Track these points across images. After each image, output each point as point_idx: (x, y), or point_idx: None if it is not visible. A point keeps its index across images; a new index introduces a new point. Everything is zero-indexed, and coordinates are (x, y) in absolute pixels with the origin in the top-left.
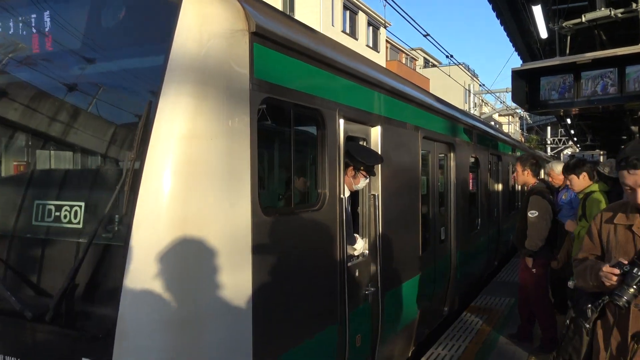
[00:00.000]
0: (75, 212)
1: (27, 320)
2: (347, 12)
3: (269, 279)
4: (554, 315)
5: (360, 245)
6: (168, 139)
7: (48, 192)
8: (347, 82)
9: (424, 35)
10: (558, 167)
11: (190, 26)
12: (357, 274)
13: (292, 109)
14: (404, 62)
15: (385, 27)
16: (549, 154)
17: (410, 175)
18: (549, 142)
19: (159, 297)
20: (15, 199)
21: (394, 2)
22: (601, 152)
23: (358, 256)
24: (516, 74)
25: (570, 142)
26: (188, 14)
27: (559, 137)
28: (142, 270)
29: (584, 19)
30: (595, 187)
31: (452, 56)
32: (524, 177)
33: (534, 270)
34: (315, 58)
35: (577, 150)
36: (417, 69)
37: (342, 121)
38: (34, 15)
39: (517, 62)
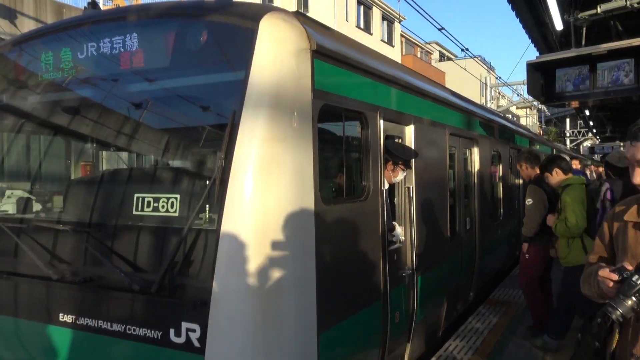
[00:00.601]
0: (172, 203)
1: (134, 292)
2: (362, 7)
3: (328, 259)
4: (544, 300)
5: (399, 232)
6: (250, 141)
7: (146, 187)
8: (386, 87)
9: (439, 29)
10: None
11: (265, 47)
12: (395, 257)
13: (343, 113)
14: (419, 56)
15: (399, 21)
16: (567, 147)
17: (439, 169)
18: (568, 135)
19: (245, 271)
20: (118, 193)
21: None
22: (621, 144)
23: (396, 242)
24: (532, 67)
25: (590, 134)
26: (263, 37)
27: (578, 130)
28: (231, 250)
29: (599, 10)
30: (571, 179)
31: (467, 49)
32: (526, 172)
33: (527, 255)
34: (360, 68)
35: (597, 142)
36: (433, 63)
37: (382, 122)
38: (134, 35)
39: (534, 54)
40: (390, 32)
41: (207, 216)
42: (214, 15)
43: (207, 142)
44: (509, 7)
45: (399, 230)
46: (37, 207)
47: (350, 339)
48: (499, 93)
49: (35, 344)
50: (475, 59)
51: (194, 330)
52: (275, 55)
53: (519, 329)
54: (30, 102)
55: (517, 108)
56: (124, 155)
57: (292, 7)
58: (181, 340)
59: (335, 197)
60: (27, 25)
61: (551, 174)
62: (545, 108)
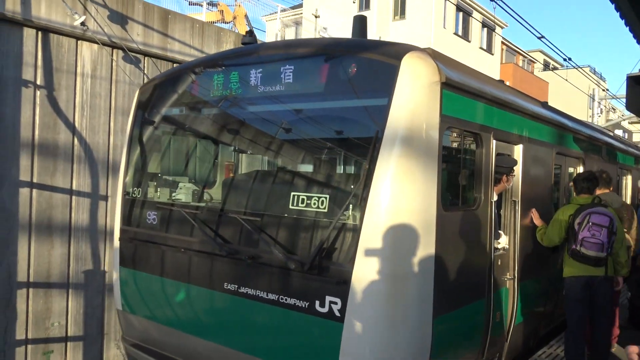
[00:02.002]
0: (322, 201)
1: (289, 270)
2: (460, 14)
3: (444, 255)
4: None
5: (504, 240)
6: (390, 155)
7: (302, 188)
8: (498, 110)
9: (539, 38)
10: None
11: (405, 80)
12: (499, 262)
13: (463, 134)
14: (520, 64)
15: (499, 27)
16: None
17: (544, 186)
18: None
19: (379, 259)
20: (277, 191)
21: (504, 2)
22: None
23: (501, 249)
24: (632, 80)
25: None
26: (404, 72)
27: None
28: (370, 241)
29: None
30: (574, 199)
31: (570, 59)
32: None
33: None
34: (477, 94)
35: None
36: (537, 72)
37: (494, 141)
38: (294, 64)
39: None
40: (490, 39)
41: (351, 213)
42: (366, 52)
43: (354, 154)
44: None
45: (504, 238)
46: (206, 196)
47: (459, 327)
48: (608, 106)
49: (205, 306)
50: (582, 69)
51: (336, 303)
52: (413, 86)
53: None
54: (200, 116)
55: (629, 123)
56: (275, 160)
57: (389, 13)
58: (325, 310)
59: (453, 205)
60: (135, 31)
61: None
62: None
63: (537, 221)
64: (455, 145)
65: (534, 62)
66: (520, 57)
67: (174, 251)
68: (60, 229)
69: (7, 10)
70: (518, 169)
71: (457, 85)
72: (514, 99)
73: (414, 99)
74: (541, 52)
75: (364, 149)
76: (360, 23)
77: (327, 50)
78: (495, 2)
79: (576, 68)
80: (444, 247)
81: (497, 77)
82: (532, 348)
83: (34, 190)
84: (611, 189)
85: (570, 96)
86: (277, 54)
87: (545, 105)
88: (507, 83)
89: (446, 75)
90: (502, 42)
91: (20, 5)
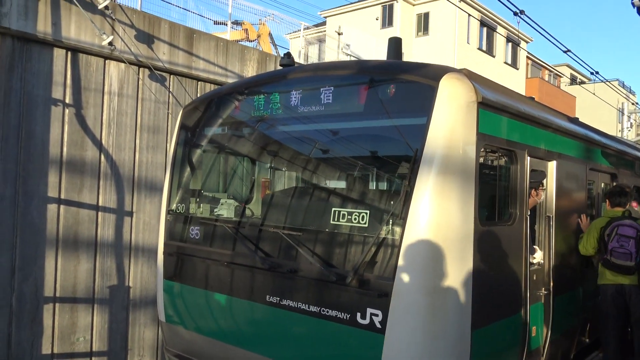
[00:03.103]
0: (362, 216)
1: (331, 282)
2: (484, 29)
3: (481, 269)
4: None
5: (539, 255)
6: (429, 173)
7: (342, 204)
8: (533, 128)
9: (565, 52)
10: None
11: (443, 100)
12: (535, 277)
13: (498, 151)
14: (546, 79)
15: (524, 42)
16: None
17: (577, 201)
18: None
19: (420, 273)
20: (318, 206)
21: (529, 17)
22: None
23: (536, 264)
24: None
25: None
26: (443, 92)
27: None
28: (410, 256)
29: None
30: (606, 212)
31: (597, 72)
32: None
33: None
34: (512, 113)
35: None
36: (564, 87)
37: (528, 158)
38: (335, 85)
39: None
40: (515, 54)
41: (391, 228)
42: (405, 74)
43: (394, 172)
44: None
45: (539, 253)
46: (247, 212)
47: (496, 340)
48: (638, 120)
49: (247, 318)
50: (610, 82)
51: (377, 315)
52: (451, 106)
53: None
54: (242, 136)
55: None
56: (315, 176)
57: (412, 30)
58: (366, 322)
59: (489, 220)
60: (162, 50)
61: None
62: None
63: (584, 227)
64: (491, 162)
65: (560, 77)
66: (546, 72)
67: (216, 265)
68: (86, 244)
69: (39, 31)
70: (552, 185)
71: (492, 105)
72: (547, 116)
73: (451, 119)
74: (568, 66)
75: (403, 167)
76: (395, 45)
77: (366, 73)
78: (520, 17)
79: (604, 82)
80: (482, 261)
81: (523, 92)
82: None
83: (62, 206)
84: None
85: (599, 110)
86: (317, 76)
87: (576, 121)
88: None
89: (482, 95)
90: (527, 57)
91: (51, 27)
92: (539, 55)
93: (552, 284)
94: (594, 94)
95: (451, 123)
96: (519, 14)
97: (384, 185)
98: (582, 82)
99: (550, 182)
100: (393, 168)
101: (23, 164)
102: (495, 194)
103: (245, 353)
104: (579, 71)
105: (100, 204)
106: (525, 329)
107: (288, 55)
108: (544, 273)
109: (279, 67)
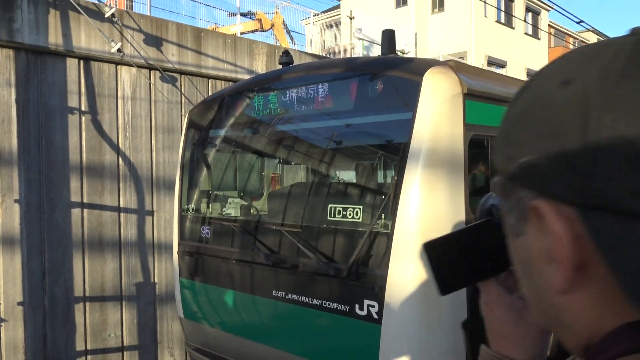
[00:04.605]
0: (357, 211)
1: (329, 276)
2: (502, 0)
3: None
4: None
5: None
6: (416, 167)
7: (337, 199)
8: None
9: (577, 22)
10: None
11: (428, 93)
12: None
13: (489, 139)
14: (571, 47)
15: (544, 11)
16: None
17: None
18: None
19: (412, 264)
20: (316, 203)
21: None
22: None
23: None
24: None
25: None
26: (426, 86)
27: None
28: (402, 248)
29: None
30: None
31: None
32: None
33: None
34: (502, 100)
35: None
36: None
37: None
38: (326, 84)
39: None
40: (536, 23)
41: (383, 222)
42: (390, 70)
43: (385, 167)
44: None
45: None
46: (252, 210)
47: None
48: None
49: (255, 312)
50: None
51: (373, 306)
52: (434, 100)
53: None
54: (245, 134)
55: None
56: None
57: (427, 7)
58: (364, 313)
59: None
60: (170, 51)
61: None
62: None
63: None
64: (483, 151)
65: (585, 43)
66: (571, 39)
67: (226, 262)
68: (110, 244)
69: (51, 43)
70: None
71: (480, 95)
72: None
73: (436, 112)
74: (593, 31)
75: (393, 161)
76: (389, 36)
77: (355, 70)
78: None
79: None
80: None
81: (546, 63)
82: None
83: (85, 210)
84: None
85: None
86: (309, 75)
87: None
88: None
89: (468, 86)
90: (549, 25)
91: (62, 38)
92: (562, 22)
93: None
94: None
95: (436, 116)
96: None
97: (377, 181)
98: None
99: None
100: (384, 163)
101: (45, 172)
102: (486, 183)
103: (257, 345)
104: (606, 36)
105: (122, 205)
106: None
107: (286, 53)
108: None
109: (279, 65)
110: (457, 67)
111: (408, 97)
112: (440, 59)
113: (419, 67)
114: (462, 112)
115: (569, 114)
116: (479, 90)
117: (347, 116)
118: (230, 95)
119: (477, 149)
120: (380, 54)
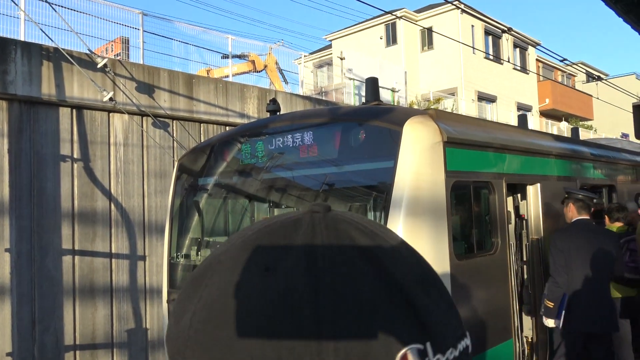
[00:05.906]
0: None
1: None
2: (490, 37)
3: (460, 303)
4: None
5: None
6: (399, 215)
7: None
8: (509, 155)
9: (561, 61)
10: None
11: (408, 142)
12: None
13: (471, 185)
14: (560, 80)
15: (531, 47)
16: None
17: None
18: None
19: None
20: None
21: (517, 33)
22: None
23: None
24: (638, 109)
25: None
26: (407, 135)
27: None
28: None
29: None
30: (609, 227)
31: (601, 79)
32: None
33: None
34: (483, 145)
35: None
36: (578, 85)
37: (505, 185)
38: (311, 133)
39: None
40: (524, 58)
41: None
42: (372, 120)
43: (370, 207)
44: None
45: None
46: None
47: None
48: None
49: None
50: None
51: None
52: (415, 149)
53: None
54: (234, 181)
55: None
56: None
57: (417, 45)
58: None
59: (467, 252)
60: (162, 97)
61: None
62: None
63: None
64: (467, 195)
65: (574, 76)
66: (559, 72)
67: None
68: (102, 291)
69: (44, 94)
70: (537, 208)
71: (460, 141)
72: (523, 140)
73: (417, 161)
74: (582, 64)
75: (377, 209)
76: (372, 84)
77: (338, 120)
78: (509, 34)
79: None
80: (460, 295)
81: (536, 97)
82: None
83: (76, 257)
84: None
85: (620, 106)
86: (295, 124)
87: (562, 138)
88: (547, 101)
89: (448, 134)
90: (537, 59)
91: (55, 88)
92: (550, 57)
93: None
94: (615, 86)
95: (417, 165)
96: (508, 31)
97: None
98: (600, 79)
99: (536, 205)
100: (368, 211)
101: (37, 220)
102: (472, 226)
103: None
104: (595, 68)
105: (114, 251)
106: (517, 354)
107: (274, 101)
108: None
109: (267, 113)
110: (437, 115)
111: (389, 146)
112: (431, 96)
113: (399, 116)
114: (442, 160)
115: None
116: (459, 137)
117: (331, 164)
118: (217, 144)
119: (458, 191)
120: (364, 101)
